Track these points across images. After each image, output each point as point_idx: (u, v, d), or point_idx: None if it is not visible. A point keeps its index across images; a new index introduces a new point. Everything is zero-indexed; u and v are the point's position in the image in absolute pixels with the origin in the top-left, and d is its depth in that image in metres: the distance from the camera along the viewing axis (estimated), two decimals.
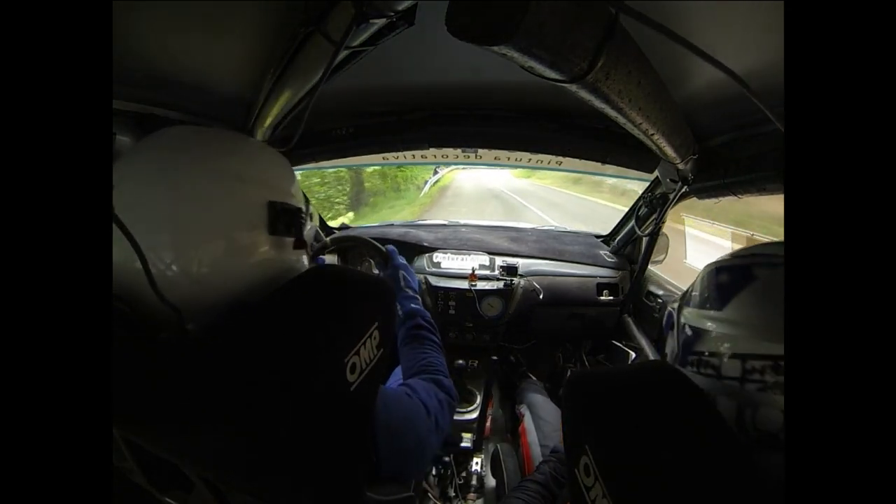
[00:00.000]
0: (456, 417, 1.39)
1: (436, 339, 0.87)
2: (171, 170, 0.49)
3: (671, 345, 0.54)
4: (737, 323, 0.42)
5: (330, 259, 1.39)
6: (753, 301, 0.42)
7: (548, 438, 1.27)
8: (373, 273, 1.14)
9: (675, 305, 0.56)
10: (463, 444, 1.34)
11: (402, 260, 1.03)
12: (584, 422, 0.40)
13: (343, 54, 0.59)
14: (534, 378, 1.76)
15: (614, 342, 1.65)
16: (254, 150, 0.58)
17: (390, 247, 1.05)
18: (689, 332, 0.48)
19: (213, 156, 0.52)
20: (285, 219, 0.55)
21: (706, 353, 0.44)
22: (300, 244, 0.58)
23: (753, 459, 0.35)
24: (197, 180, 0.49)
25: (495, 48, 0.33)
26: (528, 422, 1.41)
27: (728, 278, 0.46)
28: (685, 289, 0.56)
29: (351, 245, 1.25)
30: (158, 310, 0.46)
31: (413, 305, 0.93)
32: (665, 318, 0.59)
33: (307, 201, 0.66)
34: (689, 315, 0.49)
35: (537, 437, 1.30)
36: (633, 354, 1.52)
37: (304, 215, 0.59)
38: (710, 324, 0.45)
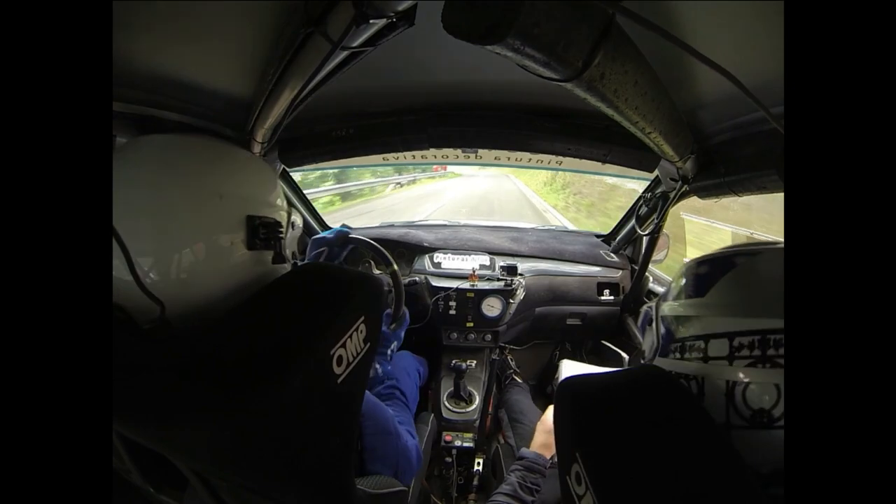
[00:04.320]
0: (456, 417, 1.39)
1: (406, 403, 1.02)
2: (153, 185, 0.50)
3: (649, 340, 0.55)
4: (720, 305, 0.43)
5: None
6: (735, 284, 0.43)
7: (522, 440, 1.27)
8: (361, 270, 1.17)
9: (651, 303, 0.56)
10: (465, 445, 1.34)
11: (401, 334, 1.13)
12: (575, 430, 0.40)
13: (343, 55, 0.60)
14: (519, 381, 1.75)
15: (604, 343, 1.64)
16: (235, 163, 0.58)
17: (406, 316, 1.13)
18: (669, 322, 0.49)
19: (195, 172, 0.53)
20: (264, 233, 0.55)
21: (690, 338, 0.44)
22: (279, 259, 0.58)
23: (743, 455, 0.35)
24: (177, 196, 0.50)
25: (490, 47, 0.33)
26: (505, 426, 1.41)
27: (708, 269, 0.47)
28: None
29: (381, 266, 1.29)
30: (138, 307, 0.47)
31: (389, 367, 1.05)
32: (641, 318, 0.60)
33: (290, 206, 0.67)
34: (670, 307, 0.50)
35: (514, 441, 1.30)
36: (626, 358, 1.52)
37: (282, 228, 0.59)
38: (692, 310, 0.46)
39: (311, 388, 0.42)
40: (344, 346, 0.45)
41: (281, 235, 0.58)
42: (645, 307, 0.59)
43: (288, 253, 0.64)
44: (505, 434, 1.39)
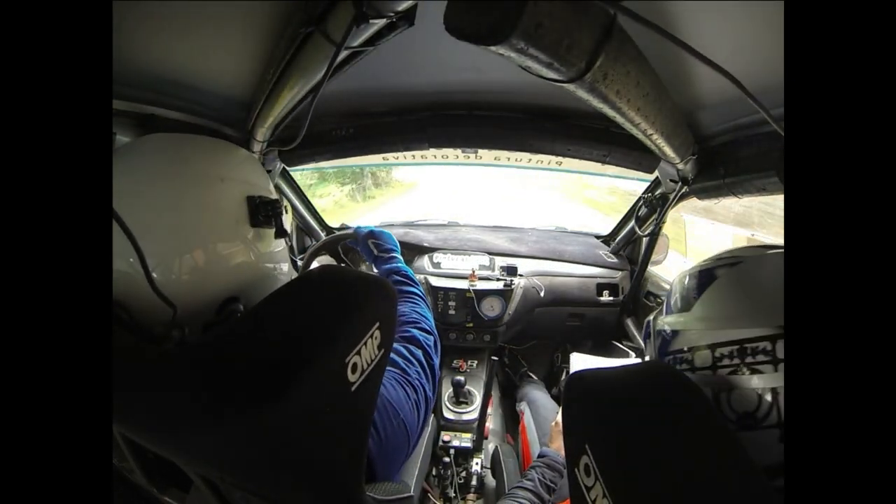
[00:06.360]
0: (456, 417, 1.39)
1: (412, 290, 0.87)
2: (158, 175, 0.53)
3: (649, 352, 0.59)
4: (703, 318, 0.46)
5: (329, 261, 1.39)
6: (715, 296, 0.47)
7: (544, 433, 1.28)
8: (374, 273, 1.16)
9: (651, 319, 0.60)
10: (463, 444, 1.34)
11: (367, 228, 1.04)
12: (584, 422, 0.40)
13: (343, 54, 0.60)
14: (534, 378, 1.76)
15: (614, 342, 1.65)
16: (227, 151, 0.62)
17: (357, 227, 1.07)
18: (663, 336, 0.52)
19: (194, 159, 0.56)
20: (264, 210, 0.59)
21: (679, 351, 0.48)
22: (281, 233, 0.63)
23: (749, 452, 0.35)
24: (183, 183, 0.53)
25: (492, 48, 0.33)
26: (527, 419, 1.42)
27: (693, 282, 0.51)
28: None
29: (324, 248, 1.28)
30: (148, 309, 0.48)
31: (385, 266, 0.93)
32: (644, 330, 0.63)
33: (280, 196, 0.69)
34: (663, 321, 0.53)
35: (537, 435, 1.31)
36: (632, 355, 1.53)
37: (280, 206, 0.63)
38: (680, 324, 0.49)
39: (326, 396, 0.42)
40: (359, 353, 0.44)
41: (280, 212, 0.62)
42: (647, 319, 0.63)
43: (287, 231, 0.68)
44: (525, 426, 1.39)
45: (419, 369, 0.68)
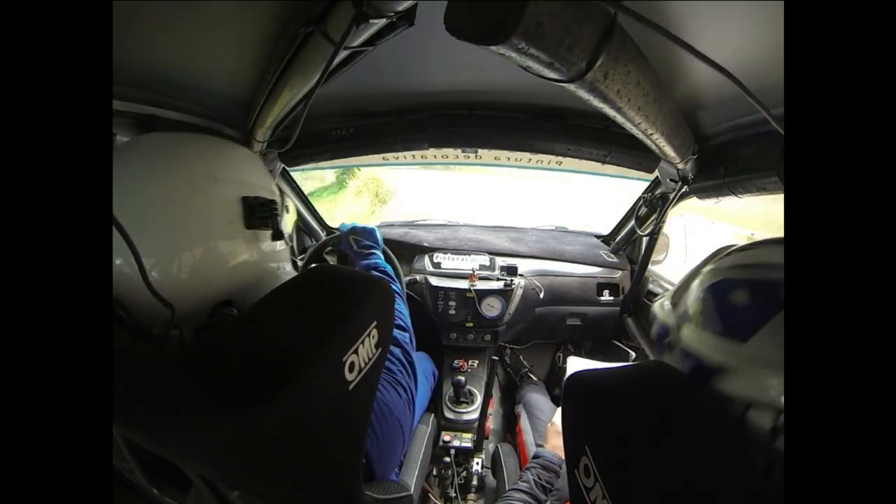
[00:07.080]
0: (456, 417, 1.39)
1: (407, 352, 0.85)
2: (148, 176, 0.53)
3: (671, 363, 0.45)
4: (767, 363, 0.34)
5: (330, 260, 1.39)
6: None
7: (540, 435, 1.28)
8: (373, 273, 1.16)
9: (668, 315, 0.47)
10: (463, 444, 1.34)
11: (350, 225, 1.05)
12: (583, 423, 0.40)
13: (343, 54, 0.60)
14: (535, 379, 1.77)
15: (615, 342, 1.65)
16: (224, 150, 0.61)
17: (342, 224, 1.08)
18: (697, 362, 0.39)
19: (187, 159, 0.56)
20: (260, 212, 0.58)
21: (723, 397, 0.36)
22: (277, 235, 0.62)
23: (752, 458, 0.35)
24: (173, 183, 0.53)
25: (493, 48, 0.33)
26: (523, 421, 1.42)
27: (748, 300, 0.37)
28: (674, 289, 0.48)
29: (320, 253, 1.29)
30: (146, 309, 0.48)
31: (364, 262, 0.94)
32: (656, 331, 0.49)
33: (282, 195, 0.69)
34: (696, 339, 0.40)
35: (533, 437, 1.31)
36: (633, 354, 1.53)
37: (277, 207, 0.62)
38: (728, 359, 0.36)
39: (324, 395, 0.42)
40: (356, 352, 0.44)
41: (276, 213, 0.61)
42: (658, 322, 0.49)
43: (286, 234, 0.67)
44: (521, 429, 1.39)
45: (401, 368, 0.69)
